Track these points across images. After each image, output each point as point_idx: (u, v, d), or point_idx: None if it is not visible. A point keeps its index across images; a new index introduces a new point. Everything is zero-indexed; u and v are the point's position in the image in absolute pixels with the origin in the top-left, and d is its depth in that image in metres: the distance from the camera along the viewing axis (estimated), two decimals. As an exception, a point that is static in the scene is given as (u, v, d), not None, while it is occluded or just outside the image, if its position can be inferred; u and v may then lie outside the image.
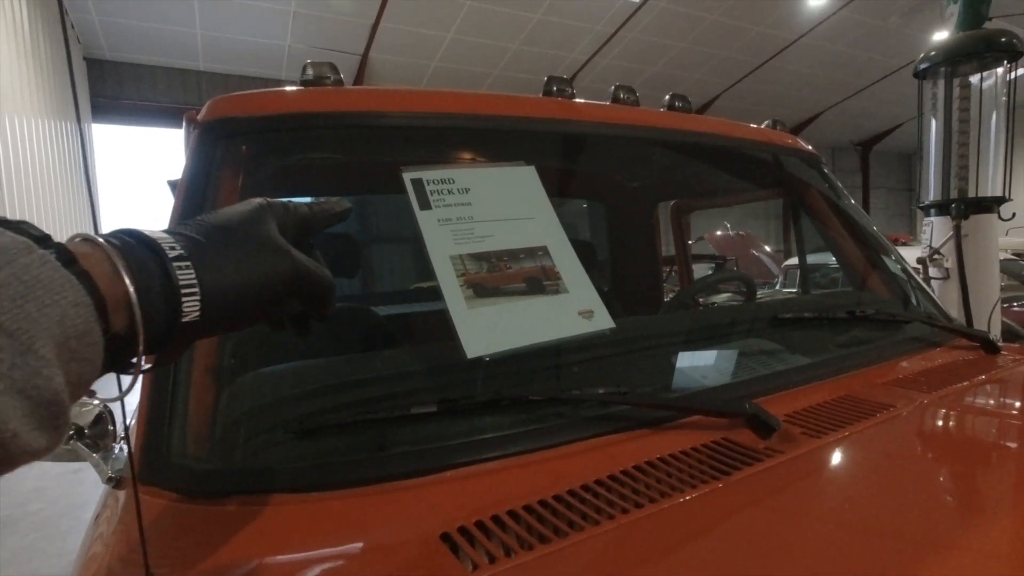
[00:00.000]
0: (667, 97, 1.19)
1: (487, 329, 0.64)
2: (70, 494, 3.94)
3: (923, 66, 2.72)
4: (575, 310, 0.70)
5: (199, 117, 0.82)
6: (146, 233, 0.40)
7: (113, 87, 9.63)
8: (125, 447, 0.79)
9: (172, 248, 0.39)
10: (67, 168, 7.29)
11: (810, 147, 1.41)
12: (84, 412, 0.78)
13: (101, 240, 0.37)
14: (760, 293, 2.48)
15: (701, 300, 1.70)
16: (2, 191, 5.02)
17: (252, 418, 0.63)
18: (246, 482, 0.54)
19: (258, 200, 0.48)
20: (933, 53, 2.67)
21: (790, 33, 11.72)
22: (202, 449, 0.60)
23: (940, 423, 0.76)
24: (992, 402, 0.82)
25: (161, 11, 8.52)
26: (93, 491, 4.04)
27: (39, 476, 4.29)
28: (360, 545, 0.48)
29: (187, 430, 0.59)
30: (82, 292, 0.32)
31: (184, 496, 0.54)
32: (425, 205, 0.72)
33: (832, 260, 1.47)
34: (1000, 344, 1.05)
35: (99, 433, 0.78)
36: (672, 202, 2.09)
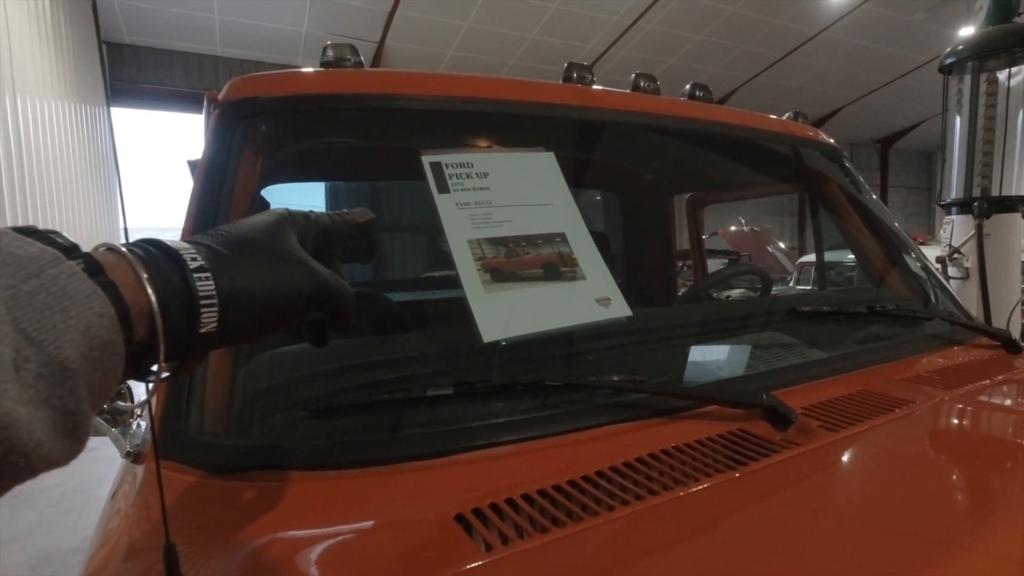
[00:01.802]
0: (688, 87, 1.17)
1: (504, 314, 0.64)
2: (85, 471, 4.02)
3: (949, 60, 2.66)
4: (592, 297, 0.69)
5: (219, 97, 0.82)
6: (168, 243, 0.40)
7: (132, 71, 9.70)
8: (143, 423, 0.81)
9: (193, 259, 0.39)
10: (87, 150, 7.37)
11: (832, 140, 1.39)
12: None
13: (125, 250, 0.37)
14: (774, 290, 2.45)
15: (715, 294, 1.69)
16: (24, 173, 5.09)
17: (271, 396, 0.64)
18: (265, 458, 0.55)
19: (279, 211, 0.49)
20: (960, 47, 2.61)
21: (811, 27, 11.51)
22: (221, 425, 0.60)
23: (959, 421, 0.75)
24: (1012, 402, 0.81)
25: (179, -4, 8.55)
26: (108, 468, 4.12)
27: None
28: (376, 523, 0.48)
29: (207, 406, 0.60)
30: (107, 303, 0.33)
31: (204, 471, 0.55)
32: (444, 189, 0.72)
33: (847, 257, 1.45)
34: (1022, 344, 1.03)
35: (118, 408, 0.79)
36: (688, 195, 2.07)
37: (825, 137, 1.40)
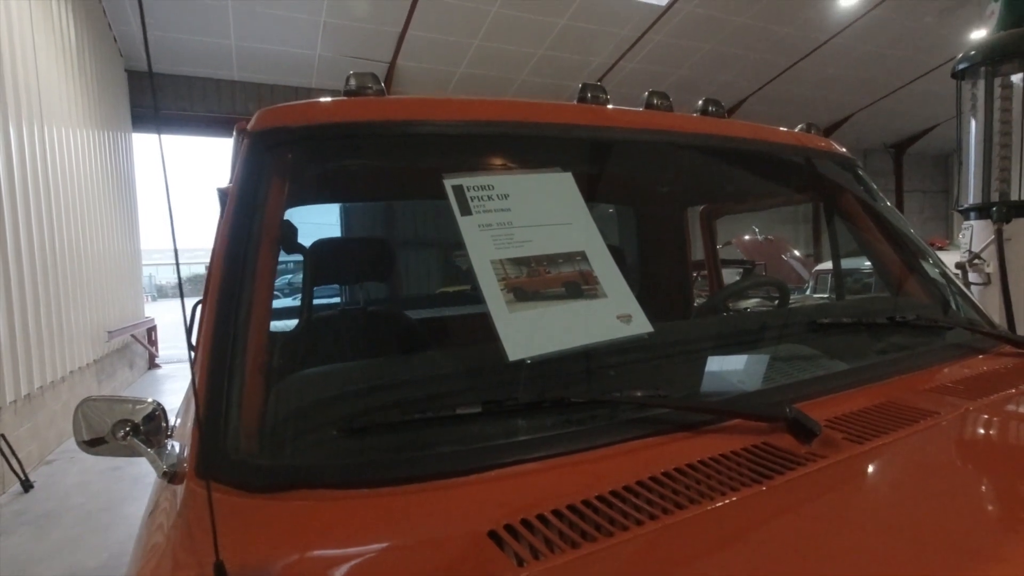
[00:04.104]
0: (700, 102, 1.19)
1: (528, 332, 0.65)
2: (111, 489, 4.08)
3: (962, 66, 2.65)
4: (613, 314, 0.71)
5: (248, 127, 0.86)
6: None
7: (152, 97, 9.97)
8: (176, 444, 0.83)
9: None
10: (109, 174, 7.57)
11: (845, 151, 1.40)
12: (138, 410, 0.82)
13: None
14: (791, 298, 2.44)
15: (732, 305, 1.69)
16: (51, 196, 5.24)
17: (305, 416, 0.66)
18: (303, 478, 0.56)
19: None
20: (973, 52, 2.60)
21: (820, 34, 11.50)
22: (259, 446, 0.62)
23: (984, 431, 0.74)
24: None
25: (199, 25, 8.81)
26: (132, 487, 4.17)
27: (81, 472, 4.46)
28: (413, 540, 0.50)
29: (244, 428, 0.62)
30: None
31: (241, 490, 0.57)
32: (466, 211, 0.74)
33: (864, 264, 1.44)
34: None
35: (152, 429, 0.82)
36: (701, 207, 2.08)
37: (838, 147, 1.41)
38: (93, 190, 6.75)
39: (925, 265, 1.30)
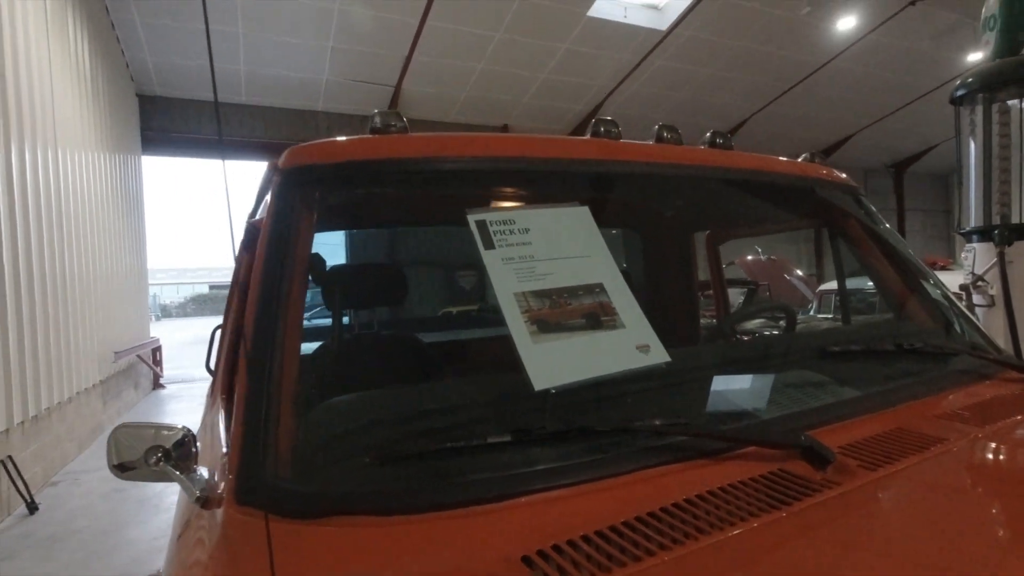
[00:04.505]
0: (708, 134, 1.24)
1: (552, 363, 0.68)
2: (115, 512, 4.07)
3: (960, 92, 2.71)
4: (632, 344, 0.74)
5: (280, 164, 0.90)
6: None
7: (162, 121, 10.16)
8: (203, 470, 0.85)
9: None
10: (118, 197, 7.68)
11: (847, 178, 1.44)
12: (168, 436, 0.84)
13: None
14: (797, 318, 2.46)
15: (739, 327, 1.72)
16: (63, 217, 5.31)
17: (340, 444, 0.69)
18: (339, 504, 0.59)
19: None
20: (970, 80, 2.67)
21: (819, 57, 11.69)
22: (295, 473, 0.65)
23: (994, 457, 0.76)
24: None
25: (208, 50, 9.01)
26: (137, 509, 4.15)
27: (85, 494, 4.45)
28: (451, 566, 0.52)
29: (280, 455, 0.65)
30: None
31: (280, 516, 0.59)
32: (489, 245, 0.78)
33: (868, 284, 1.47)
34: (1053, 377, 1.04)
35: (182, 455, 0.85)
36: (707, 232, 2.12)
37: (841, 176, 1.45)
38: (103, 212, 6.85)
39: (930, 290, 1.33)
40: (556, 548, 0.53)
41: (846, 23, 10.74)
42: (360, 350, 1.06)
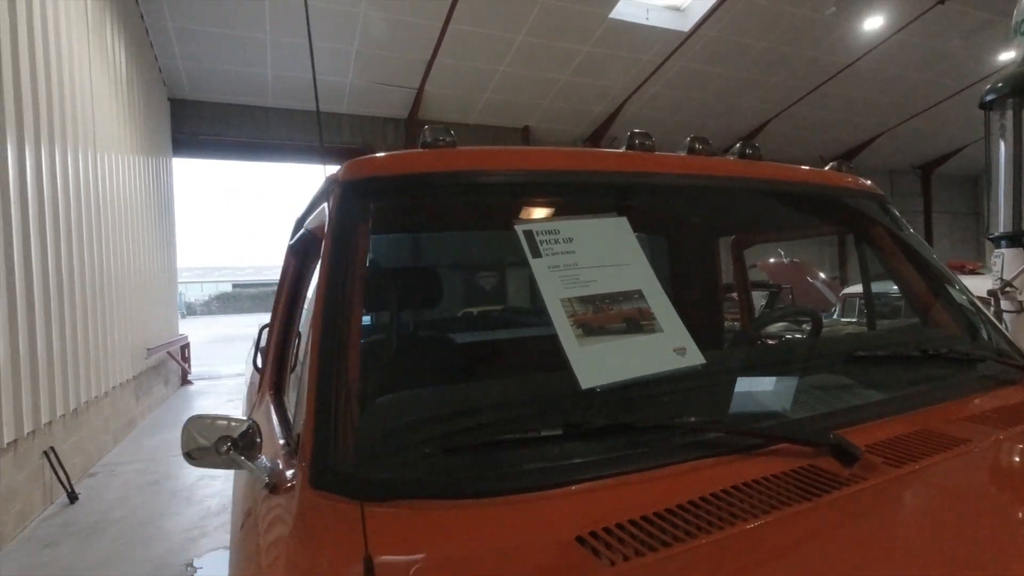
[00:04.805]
0: (737, 146, 1.28)
1: (597, 364, 0.74)
2: (150, 504, 4.22)
3: (990, 97, 2.70)
4: (670, 347, 0.79)
5: (339, 177, 0.97)
6: None
7: (192, 124, 10.43)
8: (266, 459, 0.93)
9: None
10: (151, 198, 7.92)
11: (873, 185, 1.47)
12: (236, 427, 0.92)
13: None
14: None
15: (765, 331, 1.75)
16: (100, 216, 5.52)
17: (404, 434, 0.75)
18: (406, 489, 0.65)
19: None
20: (1000, 85, 2.66)
21: (844, 57, 11.53)
22: (364, 460, 0.72)
23: (1016, 459, 0.80)
24: None
25: (237, 56, 9.25)
26: (169, 501, 4.30)
27: (122, 486, 4.62)
28: (512, 543, 0.58)
29: (349, 444, 0.72)
30: None
31: (352, 499, 0.66)
32: (536, 254, 0.84)
33: (892, 288, 1.50)
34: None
35: (247, 445, 0.92)
36: (732, 237, 2.16)
37: (867, 183, 1.48)
38: (138, 213, 7.08)
39: (955, 296, 1.35)
40: (606, 530, 0.59)
41: (873, 23, 10.57)
42: (417, 348, 1.14)
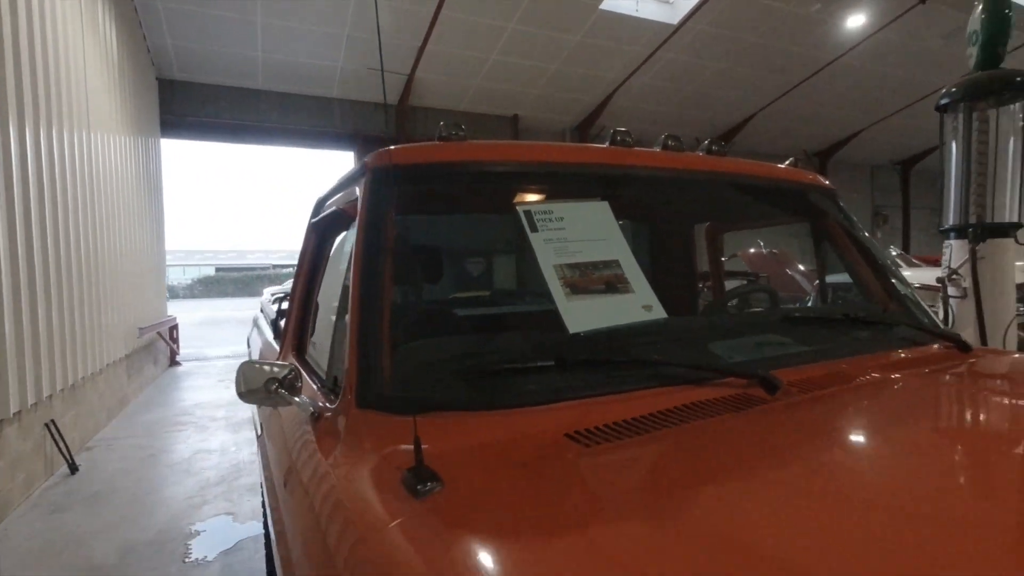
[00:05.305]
0: (706, 142, 1.49)
1: (582, 315, 0.95)
2: (151, 475, 4.38)
3: (944, 101, 2.94)
4: (639, 304, 1.00)
5: (368, 164, 1.16)
6: None
7: (181, 105, 10.39)
8: (304, 396, 1.12)
9: None
10: (141, 179, 7.95)
11: (825, 181, 1.69)
12: (279, 371, 1.12)
13: None
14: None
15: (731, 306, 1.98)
16: (93, 195, 5.59)
17: (434, 366, 0.95)
18: (437, 404, 0.86)
19: None
20: (954, 90, 2.90)
21: (828, 53, 11.80)
22: (402, 381, 0.92)
23: (918, 390, 1.04)
24: (952, 379, 1.09)
25: (228, 37, 9.24)
26: (169, 473, 4.46)
27: (120, 459, 4.76)
28: (518, 438, 0.79)
29: (388, 373, 0.92)
30: None
31: (393, 413, 0.86)
32: (534, 229, 1.04)
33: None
34: (974, 347, 1.31)
35: (290, 385, 1.12)
36: (706, 224, 2.37)
37: (821, 179, 1.70)
38: (129, 193, 7.13)
39: (888, 277, 1.59)
40: (587, 431, 0.80)
41: (855, 20, 10.84)
42: (438, 305, 1.34)
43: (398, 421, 0.84)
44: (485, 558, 0.53)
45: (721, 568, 0.49)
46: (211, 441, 5.16)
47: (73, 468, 4.47)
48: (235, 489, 4.06)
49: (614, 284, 1.02)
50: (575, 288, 0.98)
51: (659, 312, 1.00)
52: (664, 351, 1.02)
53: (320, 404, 1.08)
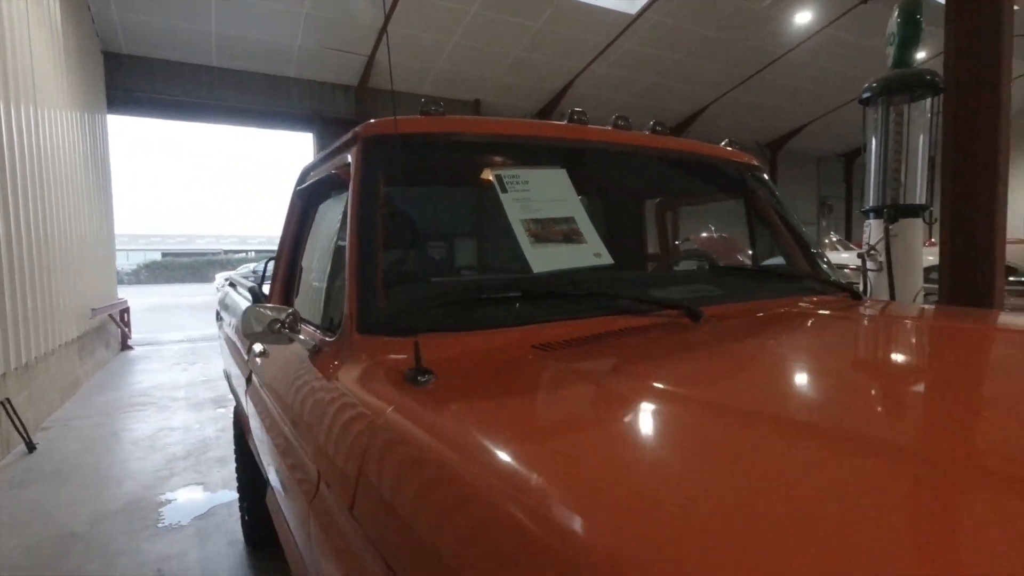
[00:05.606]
0: (651, 123, 1.71)
1: (544, 258, 1.15)
2: (113, 451, 4.37)
3: (865, 95, 3.28)
4: (591, 252, 1.22)
5: (360, 133, 1.32)
6: None
7: (128, 80, 9.99)
8: (301, 335, 1.29)
9: None
10: (88, 157, 7.68)
11: (754, 159, 1.94)
12: (281, 313, 1.28)
13: None
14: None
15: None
16: (36, 174, 5.43)
17: (424, 299, 1.14)
18: (426, 326, 1.04)
19: None
20: (874, 85, 3.24)
21: (778, 48, 12.34)
22: (396, 310, 1.10)
23: (809, 319, 1.30)
24: (841, 314, 1.37)
25: (179, 10, 8.93)
26: (132, 449, 4.46)
27: (78, 439, 4.71)
28: (497, 348, 0.99)
29: (384, 304, 1.10)
30: None
31: (389, 336, 1.05)
32: (504, 190, 1.23)
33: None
34: (863, 296, 1.60)
35: (291, 325, 1.28)
36: (656, 200, 2.62)
37: (751, 159, 1.96)
38: (77, 170, 6.90)
39: (801, 241, 1.87)
40: (550, 344, 1.01)
41: (803, 17, 11.37)
42: (425, 249, 1.55)
43: (395, 341, 1.03)
44: (475, 422, 0.72)
45: (655, 418, 0.71)
46: (173, 420, 5.16)
47: (31, 447, 4.42)
48: (203, 462, 4.13)
49: (570, 236, 1.22)
50: (538, 238, 1.18)
51: (607, 259, 1.22)
52: (614, 288, 1.24)
53: (320, 338, 1.25)
